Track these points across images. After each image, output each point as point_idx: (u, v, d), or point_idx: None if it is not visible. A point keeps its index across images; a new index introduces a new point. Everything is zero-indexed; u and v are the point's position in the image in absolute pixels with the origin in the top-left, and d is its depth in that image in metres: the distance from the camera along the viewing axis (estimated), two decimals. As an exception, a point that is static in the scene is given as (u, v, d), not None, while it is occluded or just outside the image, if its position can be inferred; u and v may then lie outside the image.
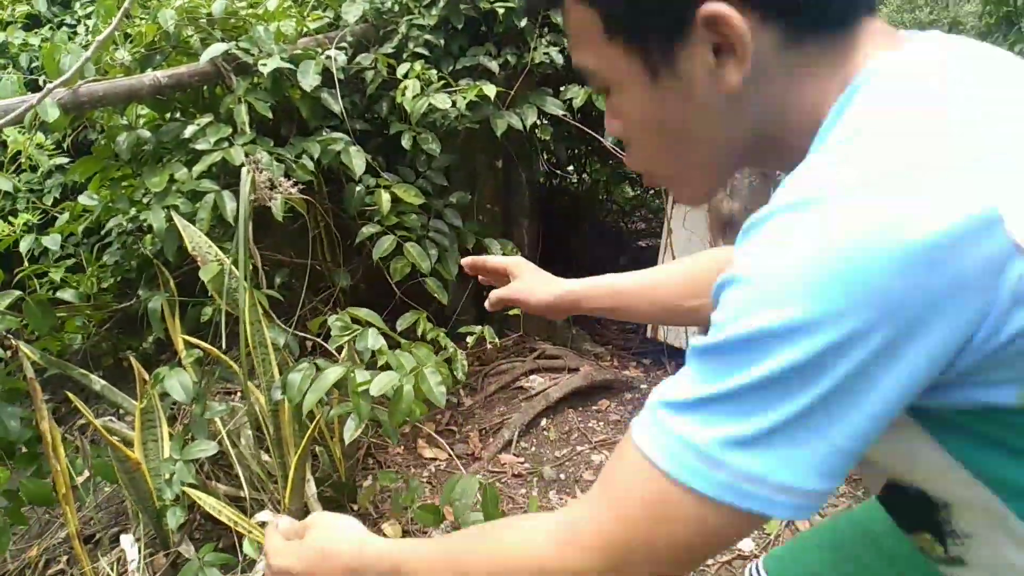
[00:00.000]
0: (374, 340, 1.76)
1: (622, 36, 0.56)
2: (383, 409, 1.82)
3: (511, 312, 3.20)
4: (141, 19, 2.43)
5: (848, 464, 0.49)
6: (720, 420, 0.48)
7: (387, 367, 1.73)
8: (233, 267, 1.92)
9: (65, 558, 2.24)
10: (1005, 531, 0.57)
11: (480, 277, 1.19)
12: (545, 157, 3.20)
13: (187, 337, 2.12)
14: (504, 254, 2.77)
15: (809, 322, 0.45)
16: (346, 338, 1.75)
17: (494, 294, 1.14)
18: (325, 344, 1.95)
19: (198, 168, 2.15)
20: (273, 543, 0.76)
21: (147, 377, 2.05)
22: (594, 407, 3.01)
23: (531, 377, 3.12)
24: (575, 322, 3.60)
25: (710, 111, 0.56)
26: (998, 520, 0.56)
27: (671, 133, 0.60)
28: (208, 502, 1.96)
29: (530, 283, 1.08)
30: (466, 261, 1.17)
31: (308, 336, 2.11)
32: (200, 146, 2.19)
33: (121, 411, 2.30)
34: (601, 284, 1.05)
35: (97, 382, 2.22)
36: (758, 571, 1.04)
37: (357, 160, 2.30)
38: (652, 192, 4.38)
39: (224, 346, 2.02)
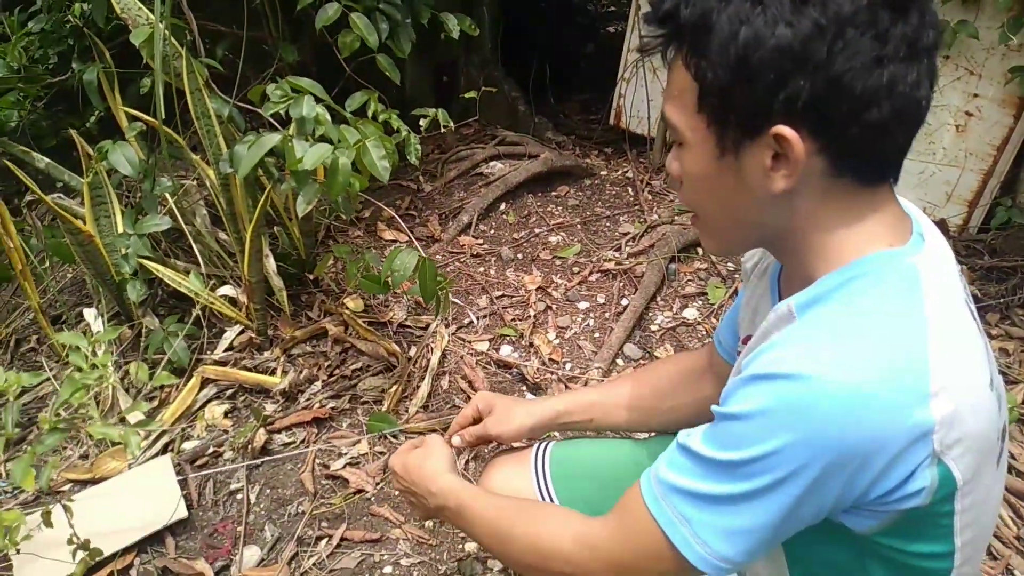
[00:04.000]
0: (309, 108, 1.68)
1: (709, 114, 0.66)
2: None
3: (468, 95, 3.12)
4: None
5: (753, 544, 0.65)
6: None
7: (327, 140, 1.68)
8: (167, 32, 1.81)
9: (35, 338, 2.29)
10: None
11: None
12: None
13: (128, 110, 2.03)
14: (462, 30, 2.63)
15: (777, 451, 0.61)
16: (281, 106, 1.68)
17: (469, 431, 1.14)
18: (274, 121, 1.89)
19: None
20: (405, 448, 1.04)
21: (91, 152, 1.99)
22: (553, 192, 3.03)
23: (491, 163, 3.10)
24: (538, 111, 3.52)
25: (751, 198, 0.68)
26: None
27: (715, 198, 0.72)
28: (168, 274, 1.99)
29: (502, 415, 1.11)
30: (456, 443, 1.15)
31: (254, 108, 2.03)
32: None
33: (71, 191, 2.25)
34: (579, 400, 1.14)
35: (40, 160, 2.16)
36: (544, 454, 1.12)
37: (296, -84, 2.09)
38: (623, -28, 4.11)
39: (166, 121, 1.94)
